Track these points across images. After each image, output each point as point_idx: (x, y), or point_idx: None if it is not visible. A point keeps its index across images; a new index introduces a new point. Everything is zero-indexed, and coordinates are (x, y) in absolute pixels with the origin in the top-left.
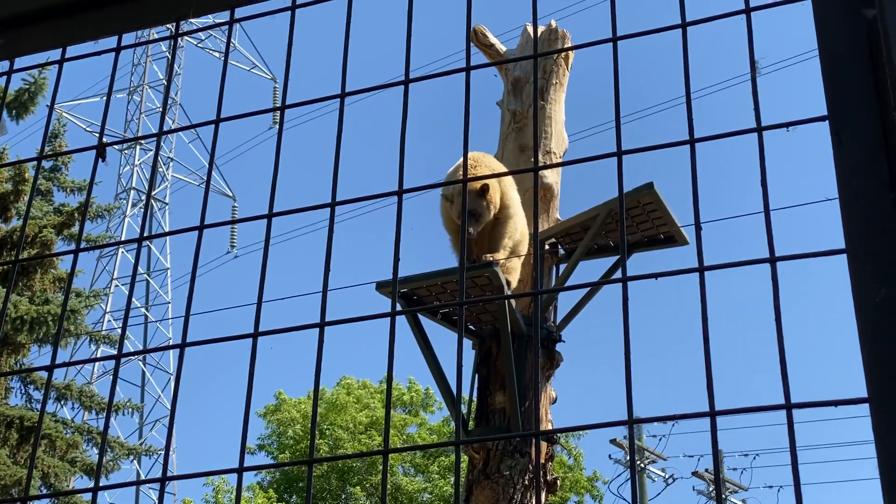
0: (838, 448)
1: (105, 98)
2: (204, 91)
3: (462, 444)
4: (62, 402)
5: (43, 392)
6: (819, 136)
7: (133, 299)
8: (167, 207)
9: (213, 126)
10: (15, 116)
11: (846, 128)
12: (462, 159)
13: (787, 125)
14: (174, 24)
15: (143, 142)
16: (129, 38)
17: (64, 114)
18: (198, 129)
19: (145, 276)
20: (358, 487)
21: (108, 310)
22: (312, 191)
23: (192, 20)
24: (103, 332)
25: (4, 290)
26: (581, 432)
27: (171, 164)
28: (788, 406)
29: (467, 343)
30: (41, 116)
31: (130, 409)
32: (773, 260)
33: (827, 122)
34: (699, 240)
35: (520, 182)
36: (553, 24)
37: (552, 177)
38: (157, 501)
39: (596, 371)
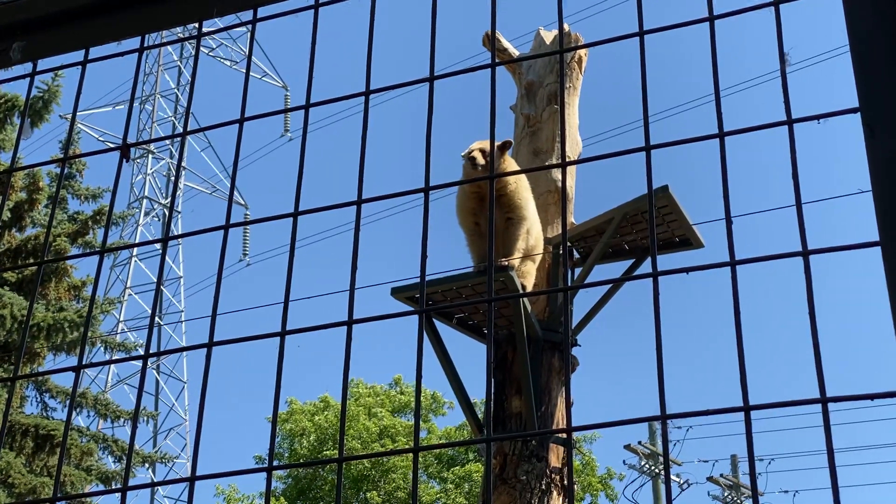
0: (865, 451)
1: (116, 103)
2: (214, 101)
3: (493, 440)
4: (77, 411)
5: (70, 397)
6: (850, 128)
7: (146, 306)
8: (179, 215)
9: (226, 134)
10: (29, 124)
11: (878, 119)
12: (478, 140)
13: (817, 117)
14: (197, 24)
15: (155, 151)
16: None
17: (78, 123)
18: (210, 138)
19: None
20: (374, 492)
21: (121, 318)
22: (324, 197)
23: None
24: (118, 340)
25: (20, 297)
26: (595, 437)
27: (183, 172)
28: (824, 400)
29: (482, 348)
30: (55, 125)
31: (145, 417)
32: (805, 253)
33: (858, 114)
34: (730, 234)
35: (534, 187)
36: (566, 27)
37: (567, 180)
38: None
39: (610, 375)
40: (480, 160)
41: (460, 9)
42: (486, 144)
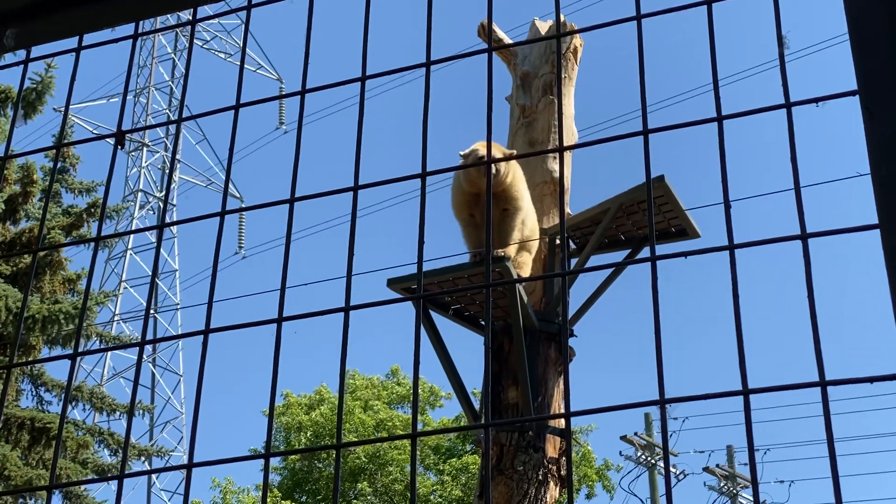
0: (865, 440)
1: (110, 96)
2: (209, 94)
3: (491, 426)
4: (73, 404)
5: (67, 384)
6: (849, 111)
7: (141, 300)
8: (174, 209)
9: (221, 127)
10: (22, 116)
11: (876, 101)
12: (478, 142)
13: (816, 100)
14: (192, 10)
15: (150, 144)
16: (127, 28)
17: (71, 116)
18: (205, 131)
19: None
20: (366, 483)
21: (117, 312)
22: (321, 189)
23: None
24: (113, 333)
25: (15, 289)
26: (592, 428)
27: (178, 165)
28: (823, 383)
29: (478, 339)
30: (49, 118)
31: (141, 411)
32: (804, 237)
33: (857, 96)
34: (728, 218)
35: (530, 178)
36: (562, 17)
37: (563, 171)
38: (167, 502)
39: (606, 367)
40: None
41: (457, 3)
42: (487, 146)
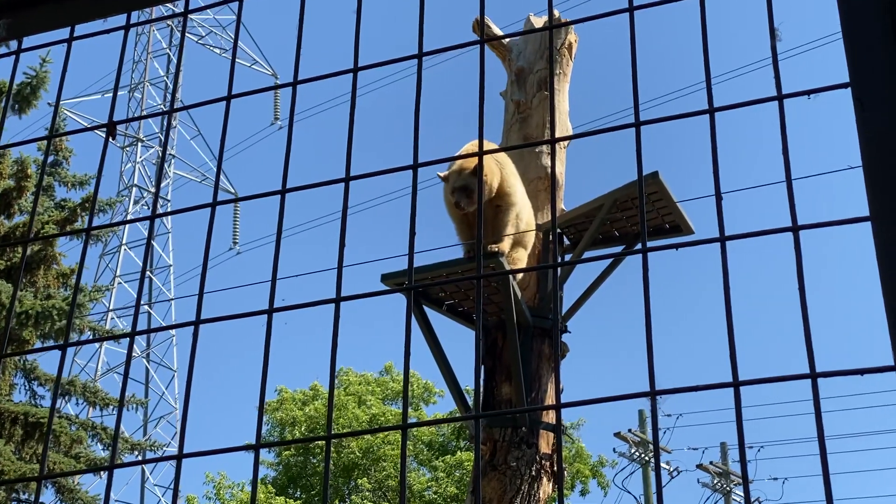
0: (859, 438)
1: (105, 91)
2: (204, 90)
3: (482, 417)
4: (66, 398)
5: (57, 376)
6: (841, 104)
7: (135, 295)
8: (169, 204)
9: (215, 123)
10: (17, 111)
11: (868, 93)
12: (469, 142)
13: (808, 92)
14: (184, 0)
15: (144, 139)
16: (118, 20)
17: (64, 110)
18: (199, 127)
19: (148, 273)
20: (365, 479)
21: (111, 307)
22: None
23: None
24: (106, 328)
25: (9, 284)
26: (581, 422)
27: (172, 161)
28: (813, 375)
29: (472, 336)
30: (44, 113)
31: (135, 405)
32: (795, 229)
33: (849, 88)
34: (720, 210)
35: (523, 173)
36: (556, 13)
37: (558, 167)
38: (161, 498)
39: (600, 364)
40: (464, 205)
41: (453, 1)
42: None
